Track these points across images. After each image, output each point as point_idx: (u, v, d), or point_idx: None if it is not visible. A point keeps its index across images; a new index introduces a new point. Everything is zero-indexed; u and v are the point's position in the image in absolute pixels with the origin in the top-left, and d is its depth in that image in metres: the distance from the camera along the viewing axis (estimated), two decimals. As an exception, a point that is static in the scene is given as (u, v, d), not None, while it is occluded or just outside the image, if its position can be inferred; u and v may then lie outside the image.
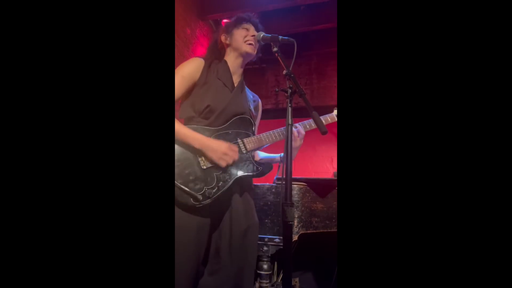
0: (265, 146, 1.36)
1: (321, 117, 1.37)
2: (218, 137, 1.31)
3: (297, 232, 1.99)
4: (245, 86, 1.51)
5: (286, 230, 0.98)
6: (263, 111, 1.65)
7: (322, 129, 1.09)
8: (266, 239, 1.84)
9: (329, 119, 1.46)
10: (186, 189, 1.21)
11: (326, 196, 2.17)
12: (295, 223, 2.00)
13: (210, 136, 1.29)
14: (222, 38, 1.48)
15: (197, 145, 1.24)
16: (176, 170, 1.22)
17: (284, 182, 1.00)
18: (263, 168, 1.32)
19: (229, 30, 1.46)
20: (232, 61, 1.46)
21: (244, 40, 1.41)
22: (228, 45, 1.47)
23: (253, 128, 1.38)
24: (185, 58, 3.87)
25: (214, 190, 1.23)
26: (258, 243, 1.67)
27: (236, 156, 1.26)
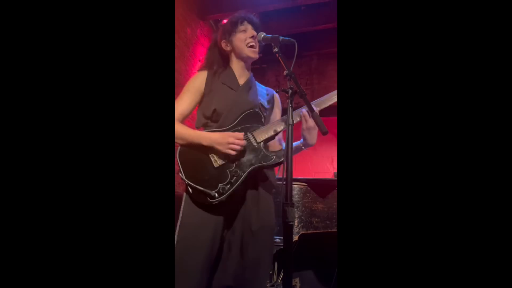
0: (275, 134, 1.34)
1: (320, 98, 1.35)
2: None
3: (298, 232, 1.99)
4: (255, 83, 1.51)
5: (287, 230, 0.98)
6: None
7: (322, 130, 1.09)
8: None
9: (329, 102, 1.38)
10: (201, 188, 1.24)
11: (326, 197, 2.17)
12: (296, 223, 2.00)
13: None
14: (223, 44, 1.48)
15: (205, 143, 1.28)
16: (191, 172, 1.28)
17: (284, 182, 1.00)
18: (277, 156, 1.31)
19: (227, 36, 1.46)
20: (237, 66, 1.47)
21: (245, 43, 1.41)
22: (230, 51, 1.48)
23: (262, 120, 1.38)
24: (185, 58, 3.87)
25: (228, 186, 1.25)
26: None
27: (241, 142, 1.27)
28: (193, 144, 1.30)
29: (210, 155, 1.29)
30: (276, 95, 1.58)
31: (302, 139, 1.32)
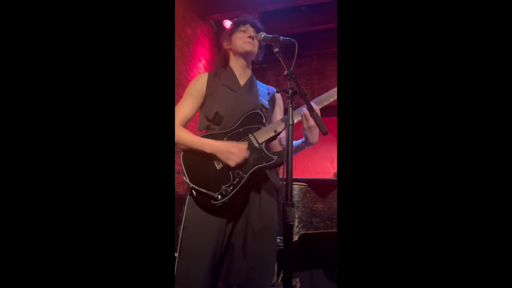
0: (276, 134, 1.35)
1: (321, 96, 1.35)
2: (231, 137, 1.34)
3: (298, 232, 1.99)
4: (256, 82, 1.52)
5: (287, 230, 0.98)
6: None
7: (323, 130, 1.09)
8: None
9: (330, 99, 1.37)
10: (204, 190, 1.26)
11: (326, 197, 2.17)
12: (296, 224, 2.00)
13: (223, 138, 1.33)
14: (224, 45, 1.53)
15: (208, 150, 1.30)
16: (194, 175, 1.29)
17: (284, 182, 1.00)
18: (278, 157, 1.31)
19: (227, 36, 1.51)
20: (236, 64, 1.49)
21: (242, 41, 1.44)
22: (230, 50, 1.51)
23: (263, 121, 1.38)
24: (186, 58, 3.88)
25: (230, 188, 1.26)
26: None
27: (243, 153, 1.28)
28: (195, 151, 1.32)
29: (213, 158, 1.31)
30: (278, 94, 1.59)
31: (303, 138, 1.32)
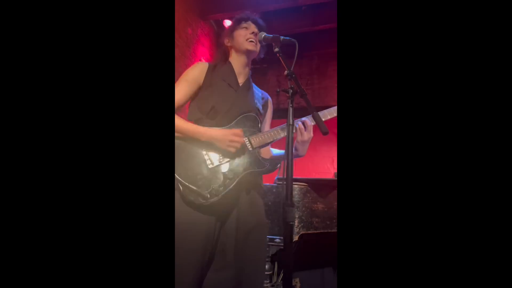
0: (272, 142, 1.35)
1: (320, 113, 1.35)
2: None
3: (298, 233, 1.99)
4: (253, 84, 1.52)
5: (287, 230, 0.98)
6: None
7: (323, 130, 1.09)
8: (266, 240, 1.84)
9: (328, 115, 1.40)
10: (194, 188, 1.23)
11: (326, 197, 2.17)
12: (296, 224, 2.00)
13: None
14: (226, 41, 1.51)
15: (203, 139, 1.27)
16: (184, 171, 1.26)
17: (284, 182, 1.00)
18: (270, 164, 1.32)
19: (229, 32, 1.49)
20: (236, 61, 1.47)
21: (245, 38, 1.43)
22: (231, 47, 1.50)
23: (259, 126, 1.38)
24: (186, 58, 3.88)
25: (221, 188, 1.25)
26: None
27: (241, 139, 1.28)
28: (189, 138, 1.28)
29: (205, 155, 1.29)
30: (270, 100, 1.59)
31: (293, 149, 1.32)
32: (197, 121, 1.37)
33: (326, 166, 5.12)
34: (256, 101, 1.47)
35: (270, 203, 2.04)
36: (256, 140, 1.33)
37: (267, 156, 1.47)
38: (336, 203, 2.14)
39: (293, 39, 1.24)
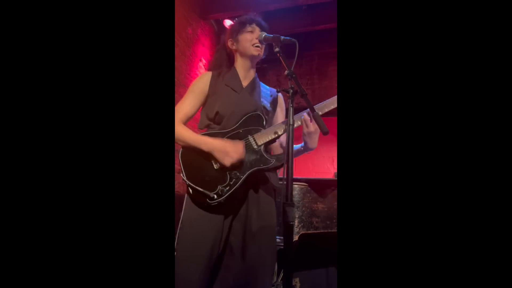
0: (277, 137, 1.35)
1: (322, 103, 1.35)
2: (230, 137, 1.33)
3: (298, 232, 2.00)
4: (260, 84, 1.52)
5: (287, 230, 0.98)
6: None
7: (323, 130, 1.09)
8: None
9: (325, 108, 1.38)
10: (201, 189, 1.25)
11: (326, 196, 2.17)
12: (296, 223, 2.00)
13: (222, 138, 1.33)
14: (229, 43, 1.50)
15: (205, 148, 1.29)
16: (192, 173, 1.29)
17: (285, 182, 1.00)
18: (276, 160, 1.32)
19: (234, 35, 1.48)
20: (241, 66, 1.48)
21: (251, 43, 1.42)
22: (236, 51, 1.49)
23: (264, 123, 1.38)
24: (186, 58, 3.88)
25: (227, 188, 1.26)
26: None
27: (239, 153, 1.27)
28: (195, 148, 1.31)
29: (211, 156, 1.30)
30: (280, 96, 1.59)
31: (303, 143, 1.32)
32: (206, 127, 1.44)
33: (326, 166, 5.12)
34: (263, 99, 1.47)
35: (270, 203, 2.03)
36: (259, 137, 1.34)
37: (278, 152, 1.47)
38: (336, 203, 2.14)
39: (293, 39, 1.24)
